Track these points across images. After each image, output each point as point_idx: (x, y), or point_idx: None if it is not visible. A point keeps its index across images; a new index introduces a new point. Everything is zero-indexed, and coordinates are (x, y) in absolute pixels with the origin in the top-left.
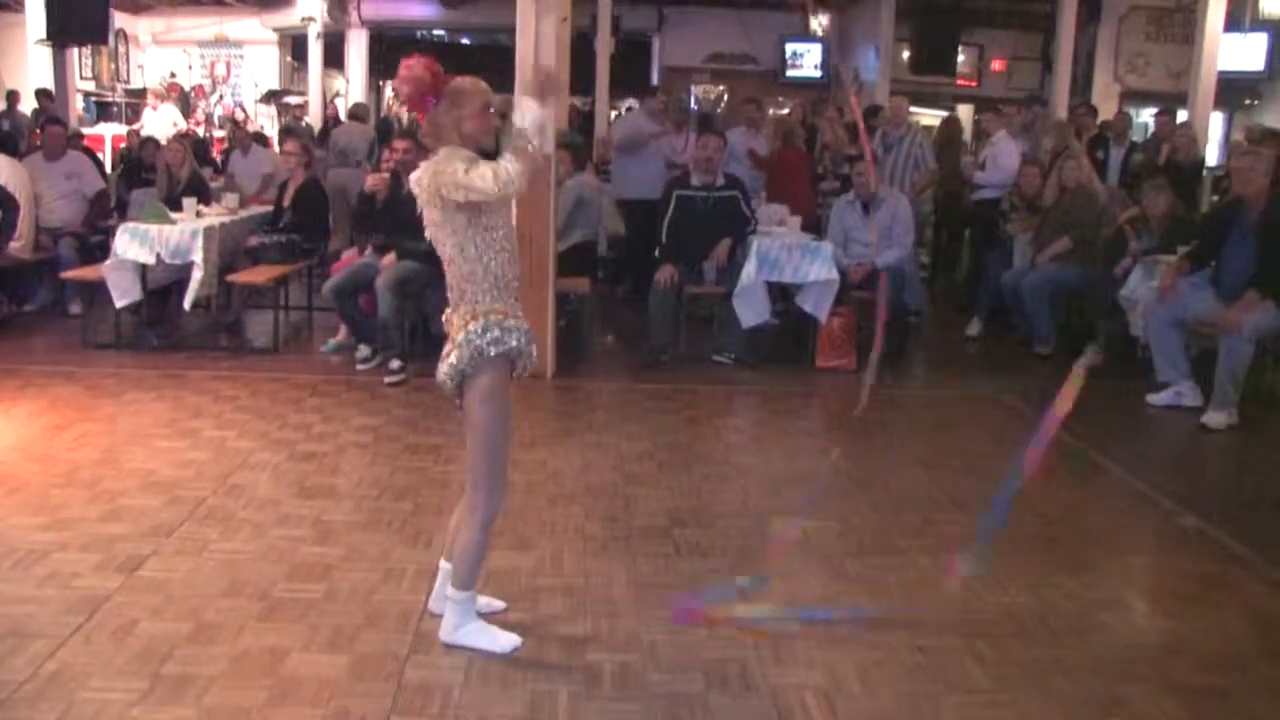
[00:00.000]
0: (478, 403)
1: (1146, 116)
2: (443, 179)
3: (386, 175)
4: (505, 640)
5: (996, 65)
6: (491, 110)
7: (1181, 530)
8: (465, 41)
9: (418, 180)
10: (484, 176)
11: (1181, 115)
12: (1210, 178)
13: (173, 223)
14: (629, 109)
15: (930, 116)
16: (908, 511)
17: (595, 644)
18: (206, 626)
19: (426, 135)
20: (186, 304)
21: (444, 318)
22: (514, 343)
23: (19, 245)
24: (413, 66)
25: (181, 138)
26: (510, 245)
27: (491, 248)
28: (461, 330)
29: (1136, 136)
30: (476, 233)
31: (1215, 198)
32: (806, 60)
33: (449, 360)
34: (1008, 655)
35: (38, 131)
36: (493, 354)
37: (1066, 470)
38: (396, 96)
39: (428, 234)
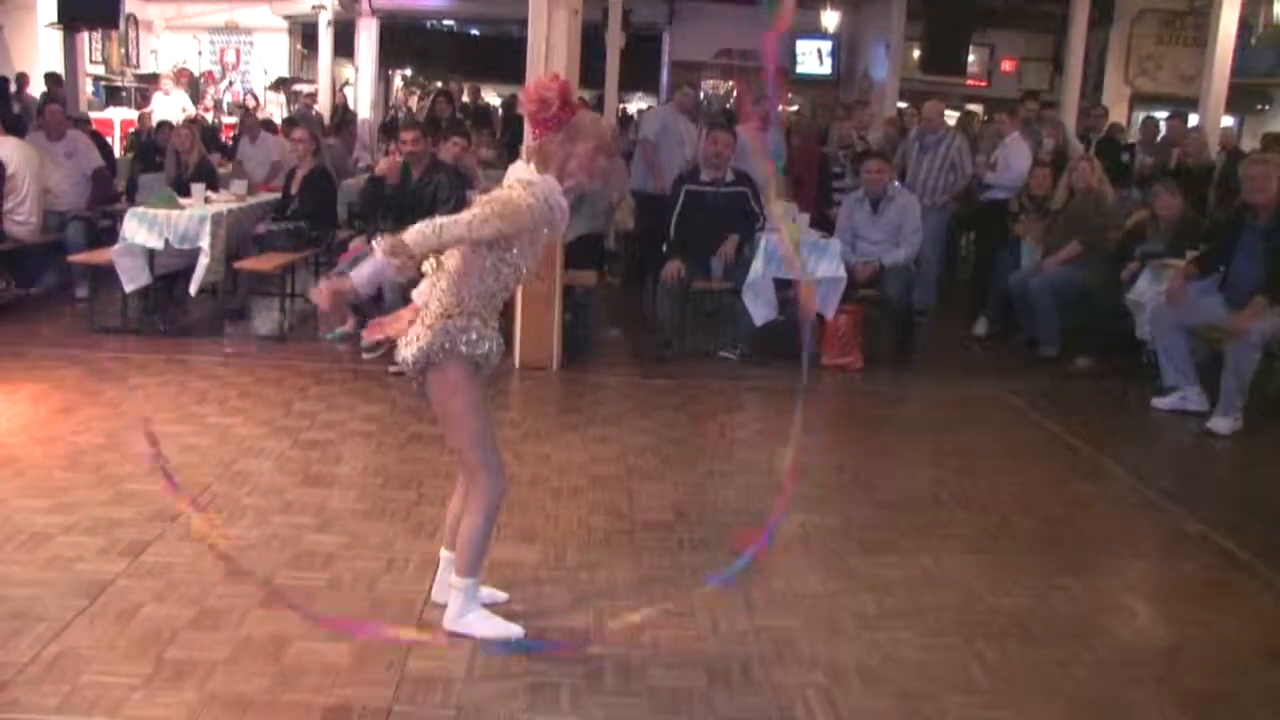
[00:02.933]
0: (449, 396)
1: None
2: (513, 210)
3: (399, 161)
4: (508, 629)
5: (1007, 66)
6: (601, 154)
7: (1184, 534)
8: (474, 32)
9: (517, 185)
10: (476, 223)
11: (1193, 119)
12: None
13: (181, 208)
14: (649, 106)
15: None
16: (911, 510)
17: (597, 637)
18: (209, 612)
19: (532, 155)
20: (192, 289)
21: (419, 295)
22: (484, 348)
23: (27, 229)
24: (546, 87)
25: (191, 123)
26: (521, 273)
27: (506, 266)
28: (441, 320)
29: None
30: (504, 252)
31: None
32: (815, 56)
33: (418, 343)
34: (1009, 657)
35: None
36: (463, 352)
37: (1071, 473)
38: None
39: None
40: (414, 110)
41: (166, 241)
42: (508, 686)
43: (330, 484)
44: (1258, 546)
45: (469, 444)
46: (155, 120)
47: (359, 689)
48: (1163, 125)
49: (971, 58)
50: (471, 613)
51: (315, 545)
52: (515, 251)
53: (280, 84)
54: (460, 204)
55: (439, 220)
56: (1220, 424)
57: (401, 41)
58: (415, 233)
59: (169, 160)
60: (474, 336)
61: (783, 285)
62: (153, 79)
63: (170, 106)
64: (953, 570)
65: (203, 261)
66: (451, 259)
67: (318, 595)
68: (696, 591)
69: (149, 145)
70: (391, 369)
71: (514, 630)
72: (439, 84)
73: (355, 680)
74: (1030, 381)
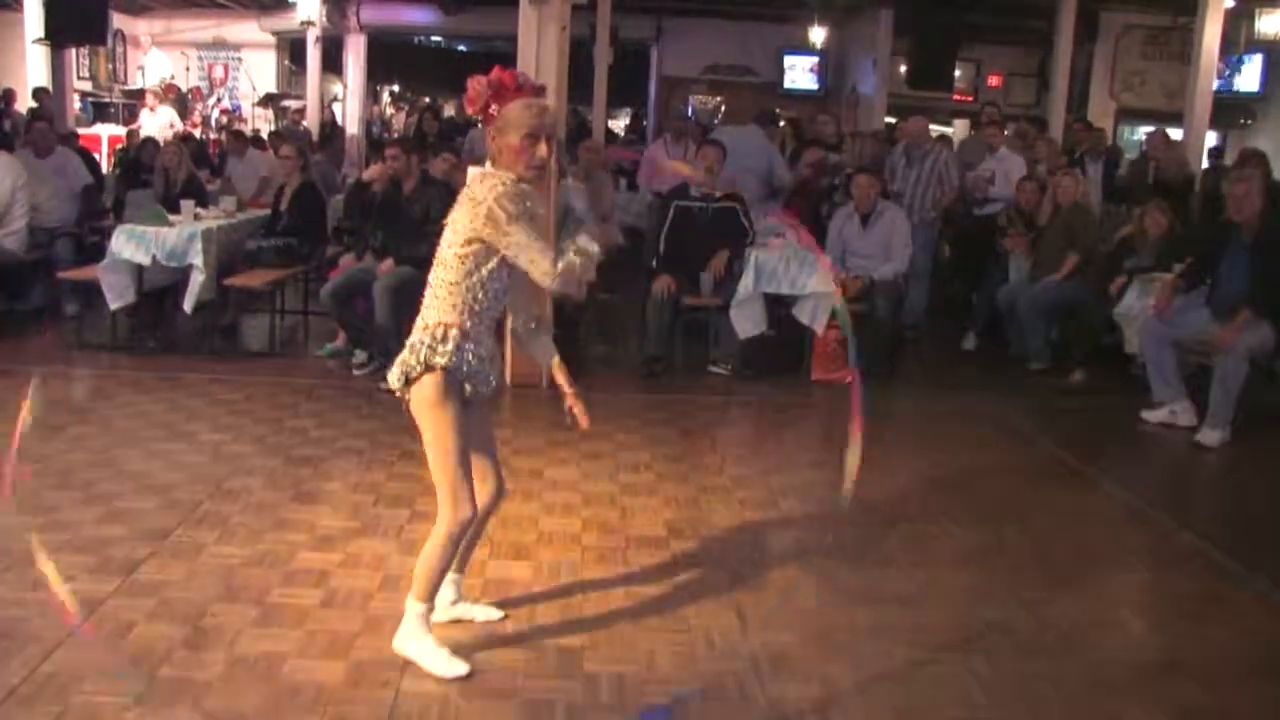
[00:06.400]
0: (422, 410)
1: (1142, 134)
2: (497, 218)
3: (390, 170)
4: (451, 666)
5: (993, 81)
6: (537, 142)
7: (1176, 547)
8: (462, 48)
9: (474, 183)
10: (536, 256)
11: (1177, 134)
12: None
13: (170, 225)
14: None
15: None
16: (903, 525)
17: (592, 654)
18: (203, 631)
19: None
20: (188, 307)
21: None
22: (465, 366)
23: (15, 242)
24: (476, 83)
25: (183, 140)
26: (510, 285)
27: (493, 280)
28: (418, 333)
29: (1129, 154)
30: (491, 266)
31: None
32: (803, 72)
33: (397, 360)
34: (1004, 671)
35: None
36: (439, 364)
37: (1062, 486)
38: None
39: (446, 234)
40: (388, 123)
41: (154, 258)
42: (503, 704)
43: (322, 501)
44: (1248, 559)
45: (436, 463)
46: (142, 136)
47: (354, 707)
48: (1143, 138)
49: (958, 73)
50: (420, 639)
51: (308, 563)
52: (509, 267)
53: (268, 100)
54: None
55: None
56: (1209, 437)
57: (389, 57)
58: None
59: (157, 177)
60: (450, 347)
61: (772, 301)
62: (140, 95)
63: (157, 123)
64: (946, 584)
65: (197, 278)
66: (439, 270)
67: (312, 613)
68: (691, 608)
69: (135, 162)
70: (383, 386)
71: (458, 668)
72: (425, 100)
73: (350, 699)
74: (1020, 396)
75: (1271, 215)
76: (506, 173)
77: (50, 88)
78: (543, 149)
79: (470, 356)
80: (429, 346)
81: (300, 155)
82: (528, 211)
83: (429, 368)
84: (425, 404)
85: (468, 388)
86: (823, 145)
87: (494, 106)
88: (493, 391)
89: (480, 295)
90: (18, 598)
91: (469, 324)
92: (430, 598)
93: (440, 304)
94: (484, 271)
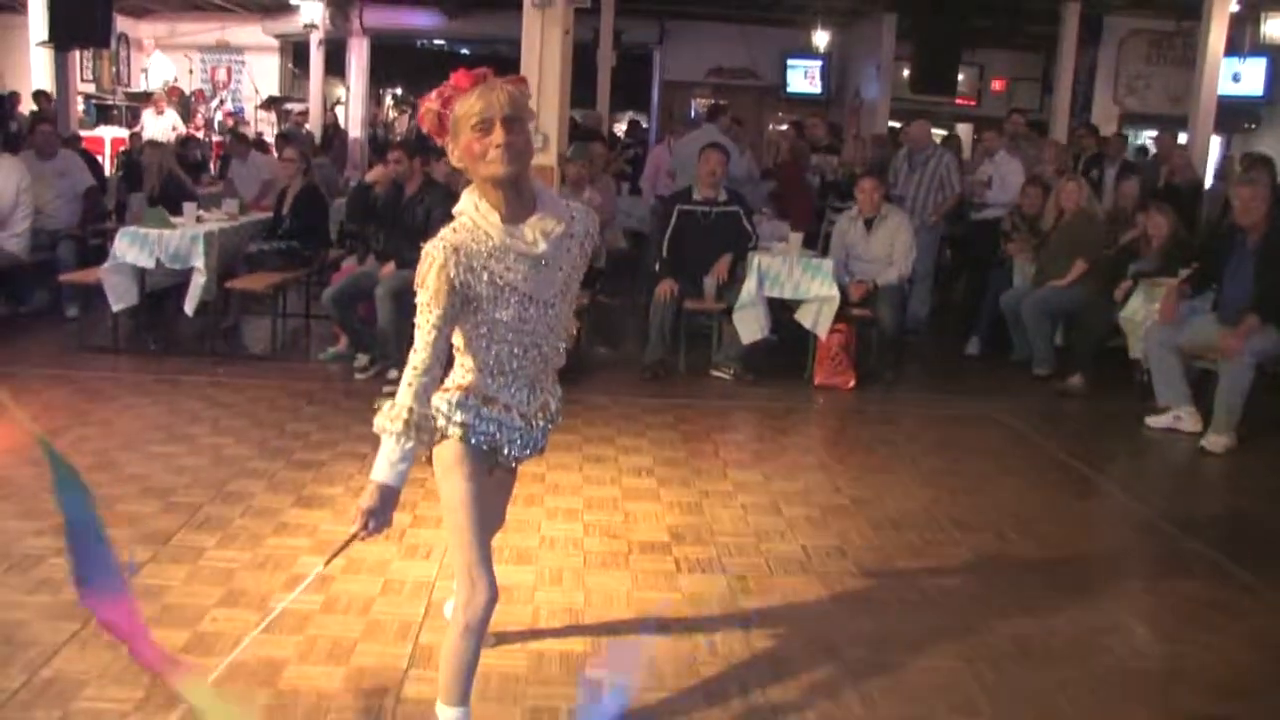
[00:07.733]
0: (441, 478)
1: (1146, 138)
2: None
3: (392, 173)
4: None
5: (997, 85)
6: (491, 130)
7: (1181, 554)
8: (464, 51)
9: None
10: (412, 356)
11: (1181, 138)
12: (1209, 198)
13: (173, 227)
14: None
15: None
16: (907, 531)
17: (595, 660)
18: (203, 636)
19: None
20: (189, 309)
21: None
22: (495, 431)
23: (19, 246)
24: (424, 102)
25: (183, 142)
26: (516, 336)
27: (482, 339)
28: (439, 396)
29: (1130, 157)
30: (489, 315)
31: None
32: (806, 76)
33: None
34: (1009, 678)
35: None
36: (454, 435)
37: (1067, 492)
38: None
39: None
40: (391, 126)
41: (158, 260)
42: (505, 710)
43: (324, 505)
44: (1255, 566)
45: (454, 539)
46: (144, 139)
47: (354, 714)
48: (1149, 143)
49: (961, 77)
50: None
51: (310, 567)
52: (479, 319)
53: (271, 103)
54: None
55: (405, 379)
56: (1215, 442)
57: (392, 61)
58: (401, 412)
59: (147, 178)
60: (466, 417)
61: (775, 305)
62: (143, 97)
63: (162, 126)
64: (950, 591)
65: (198, 280)
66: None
67: (313, 619)
68: (693, 613)
69: (136, 165)
70: (385, 389)
71: None
72: None
73: (351, 705)
74: (1024, 401)
75: (1277, 219)
76: (477, 199)
77: (51, 90)
78: (498, 134)
79: (498, 423)
80: (444, 415)
81: (303, 158)
82: (468, 276)
83: (444, 436)
84: (443, 472)
85: (505, 452)
86: (816, 147)
87: (446, 111)
88: (540, 449)
89: (496, 351)
90: (18, 601)
91: (490, 385)
92: (462, 700)
93: (458, 361)
94: (478, 318)
